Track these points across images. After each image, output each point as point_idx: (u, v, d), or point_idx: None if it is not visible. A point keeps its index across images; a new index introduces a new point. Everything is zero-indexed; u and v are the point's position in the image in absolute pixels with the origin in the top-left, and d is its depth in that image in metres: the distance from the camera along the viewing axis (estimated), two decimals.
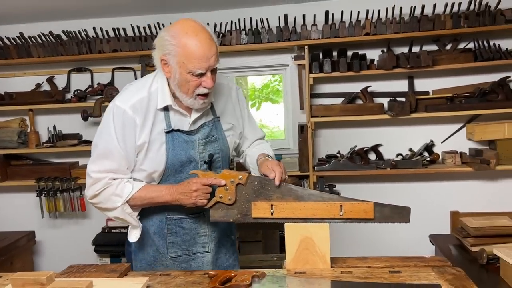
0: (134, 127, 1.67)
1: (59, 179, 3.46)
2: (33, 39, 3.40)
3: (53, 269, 1.52)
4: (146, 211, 1.77)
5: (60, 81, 3.61)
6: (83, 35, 3.38)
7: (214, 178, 1.64)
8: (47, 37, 3.39)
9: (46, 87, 3.59)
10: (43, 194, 3.48)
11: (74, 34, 3.37)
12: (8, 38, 3.40)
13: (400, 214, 1.60)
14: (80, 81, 3.58)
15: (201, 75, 1.60)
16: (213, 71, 1.63)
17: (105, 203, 1.70)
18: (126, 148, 1.67)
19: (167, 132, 1.69)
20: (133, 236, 1.75)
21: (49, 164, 3.63)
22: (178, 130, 1.71)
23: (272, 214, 1.60)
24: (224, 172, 1.64)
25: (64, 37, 3.40)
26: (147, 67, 3.28)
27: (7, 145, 3.50)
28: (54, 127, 3.59)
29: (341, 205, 1.58)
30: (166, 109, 1.71)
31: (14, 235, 3.41)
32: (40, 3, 3.04)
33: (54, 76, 3.58)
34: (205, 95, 1.65)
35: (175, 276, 1.49)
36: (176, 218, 1.77)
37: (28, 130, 3.61)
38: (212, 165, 1.76)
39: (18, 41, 3.41)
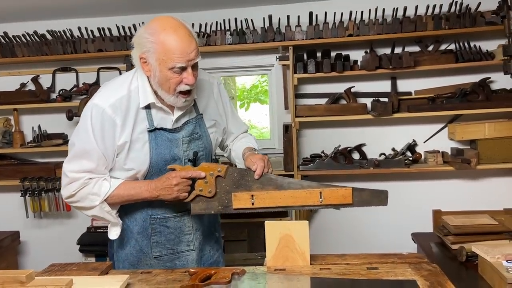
0: (113, 127, 1.63)
1: (44, 179, 3.44)
2: (17, 38, 3.39)
3: (38, 269, 1.52)
4: (129, 211, 1.75)
5: (45, 81, 3.59)
6: (68, 34, 3.37)
7: (193, 171, 1.63)
8: (31, 36, 3.37)
9: (31, 86, 3.57)
10: (28, 194, 3.47)
11: (59, 34, 3.36)
12: None
13: (379, 197, 1.67)
14: (65, 81, 3.57)
15: (182, 70, 1.57)
16: (194, 67, 1.61)
17: (82, 202, 1.67)
18: (105, 148, 1.64)
19: (150, 131, 1.67)
20: (114, 233, 1.74)
21: (34, 164, 3.61)
22: (161, 129, 1.69)
23: (253, 204, 1.61)
24: (203, 165, 1.64)
25: (49, 36, 3.39)
26: (132, 67, 3.26)
27: None
28: (39, 127, 3.57)
29: (320, 192, 1.61)
30: (148, 107, 1.68)
31: None
32: (25, 2, 3.02)
33: (39, 76, 3.56)
34: (187, 93, 1.63)
35: (156, 274, 1.51)
36: (160, 217, 1.75)
37: (13, 130, 3.59)
38: (197, 163, 1.73)
39: (2, 40, 3.39)
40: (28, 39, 3.38)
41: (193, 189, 1.63)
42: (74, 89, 3.52)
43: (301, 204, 1.61)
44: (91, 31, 3.36)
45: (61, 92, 3.52)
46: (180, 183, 1.61)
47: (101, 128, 1.62)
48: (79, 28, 3.35)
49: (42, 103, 3.48)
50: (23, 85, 3.59)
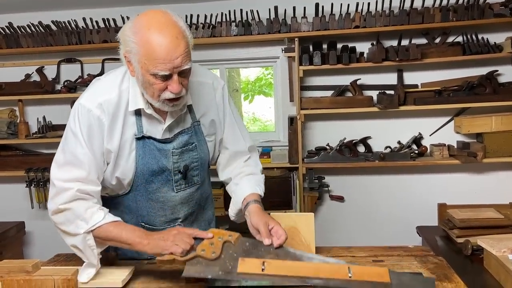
0: (101, 129, 1.46)
1: (48, 170, 3.42)
2: (22, 29, 3.38)
3: (43, 260, 1.53)
4: (122, 218, 1.50)
5: (50, 72, 3.59)
6: (73, 25, 3.36)
7: (201, 232, 1.39)
8: (36, 27, 3.37)
9: (36, 77, 3.57)
10: (33, 185, 3.49)
11: (64, 25, 3.36)
12: None
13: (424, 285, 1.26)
14: (70, 72, 3.57)
15: (166, 77, 1.35)
16: (183, 74, 1.38)
17: (67, 225, 1.43)
18: (94, 153, 1.46)
19: (138, 139, 1.49)
20: (85, 275, 1.42)
21: (39, 155, 3.62)
22: (150, 137, 1.51)
23: (263, 270, 1.28)
24: (212, 230, 1.39)
25: (53, 27, 3.38)
26: None
27: None
28: (44, 118, 3.58)
29: (348, 267, 1.28)
30: (138, 112, 1.49)
31: (3, 226, 3.40)
32: None
33: (43, 67, 3.56)
34: (174, 100, 1.41)
35: (161, 265, 1.51)
36: (149, 227, 1.58)
37: (18, 121, 3.59)
38: (188, 175, 1.58)
39: (7, 30, 3.39)
40: (33, 29, 3.38)
41: (193, 250, 1.34)
42: (79, 80, 3.52)
43: (325, 276, 1.25)
44: (96, 22, 3.35)
45: (65, 83, 3.51)
46: (181, 234, 1.37)
47: (88, 130, 1.45)
48: (84, 19, 3.34)
49: (47, 94, 3.47)
50: (28, 76, 3.59)
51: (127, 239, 1.40)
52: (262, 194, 1.62)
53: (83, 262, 1.43)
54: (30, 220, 3.71)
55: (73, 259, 1.57)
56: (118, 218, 1.46)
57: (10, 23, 3.36)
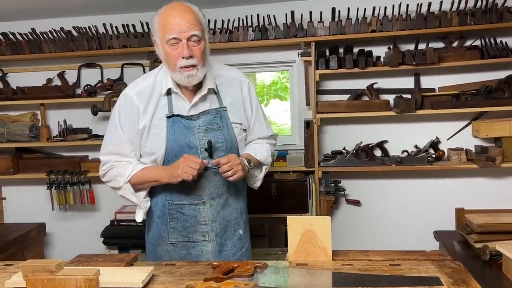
0: (137, 112, 1.79)
1: (69, 173, 3.52)
2: (44, 35, 3.46)
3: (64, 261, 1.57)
4: (152, 196, 1.89)
5: (71, 76, 3.66)
6: (93, 31, 3.43)
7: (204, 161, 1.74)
8: (58, 33, 3.45)
9: (57, 82, 3.65)
10: (54, 187, 3.55)
11: (84, 30, 3.43)
12: (20, 34, 3.45)
13: None
14: (90, 76, 3.64)
15: (177, 43, 1.66)
16: (192, 40, 1.67)
17: (112, 182, 1.86)
18: (130, 132, 1.80)
19: (168, 117, 1.77)
20: (138, 216, 1.88)
21: (60, 158, 3.69)
22: (179, 115, 1.78)
23: None
24: (228, 281, 1.36)
25: (74, 33, 3.46)
26: (155, 62, 3.32)
27: (19, 138, 3.57)
28: (65, 121, 3.65)
29: None
30: (169, 93, 1.79)
31: (25, 227, 3.49)
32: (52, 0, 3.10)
33: (65, 71, 3.64)
34: (189, 67, 1.69)
35: (180, 266, 1.54)
36: (176, 203, 1.83)
37: (40, 124, 3.67)
38: (214, 153, 1.79)
39: (30, 36, 3.47)
40: (55, 35, 3.46)
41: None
42: (99, 84, 3.58)
43: None
44: (116, 27, 3.41)
45: (86, 87, 3.58)
46: (186, 161, 1.68)
47: (125, 115, 1.80)
48: (104, 25, 3.40)
49: (68, 98, 3.55)
50: (49, 80, 3.67)
51: (152, 178, 1.79)
52: (258, 157, 1.93)
53: (104, 260, 1.56)
54: (51, 221, 3.79)
55: (94, 260, 1.60)
56: (145, 165, 1.82)
57: (33, 29, 3.44)
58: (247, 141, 1.99)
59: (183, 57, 1.66)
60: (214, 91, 1.85)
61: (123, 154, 1.83)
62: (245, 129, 1.94)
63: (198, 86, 1.80)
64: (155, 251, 1.92)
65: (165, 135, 1.77)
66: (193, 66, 1.69)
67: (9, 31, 3.48)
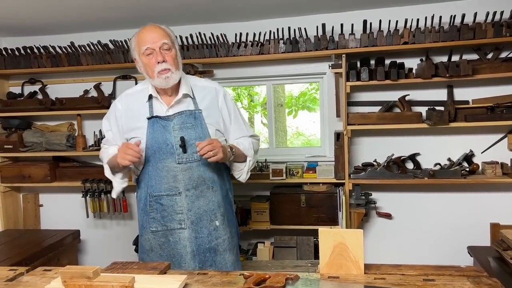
0: (119, 114, 2.11)
1: (103, 181, 3.61)
2: (82, 48, 3.58)
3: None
4: (138, 190, 2.14)
5: (107, 88, 3.78)
6: (129, 44, 3.52)
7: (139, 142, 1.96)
8: (95, 46, 3.57)
9: (94, 93, 3.77)
10: (88, 195, 3.65)
11: (120, 43, 3.54)
12: (60, 47, 3.59)
13: None
14: (125, 88, 3.62)
15: (151, 53, 1.95)
16: (164, 48, 1.96)
17: (104, 165, 2.18)
18: (114, 127, 2.13)
19: (149, 119, 2.03)
20: (113, 192, 2.23)
21: (95, 167, 3.79)
22: (157, 117, 2.02)
23: None
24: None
25: (111, 46, 3.57)
26: (187, 74, 3.38)
27: (56, 147, 3.70)
28: (100, 132, 3.75)
29: None
30: (151, 99, 2.06)
31: (60, 234, 3.59)
32: (90, 14, 3.21)
33: (101, 83, 3.76)
34: (164, 70, 1.95)
35: (212, 275, 1.56)
36: (155, 195, 2.03)
37: (76, 134, 3.79)
38: (187, 149, 1.99)
39: (69, 49, 3.60)
40: (92, 48, 3.58)
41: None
42: None
43: None
44: None
45: None
46: (123, 148, 1.92)
47: (113, 118, 2.13)
48: None
49: (104, 109, 3.63)
50: (86, 91, 3.80)
51: (114, 162, 2.01)
52: (240, 146, 2.14)
53: (139, 268, 1.61)
54: (85, 228, 3.89)
55: (129, 267, 1.64)
56: (116, 151, 2.04)
57: (71, 43, 3.58)
58: (228, 143, 2.16)
59: (158, 62, 1.94)
60: (190, 96, 2.08)
61: (112, 144, 2.15)
62: (222, 133, 2.13)
63: (176, 92, 2.06)
64: (140, 241, 2.13)
65: (145, 133, 2.01)
66: (168, 69, 1.96)
67: (50, 45, 3.63)
